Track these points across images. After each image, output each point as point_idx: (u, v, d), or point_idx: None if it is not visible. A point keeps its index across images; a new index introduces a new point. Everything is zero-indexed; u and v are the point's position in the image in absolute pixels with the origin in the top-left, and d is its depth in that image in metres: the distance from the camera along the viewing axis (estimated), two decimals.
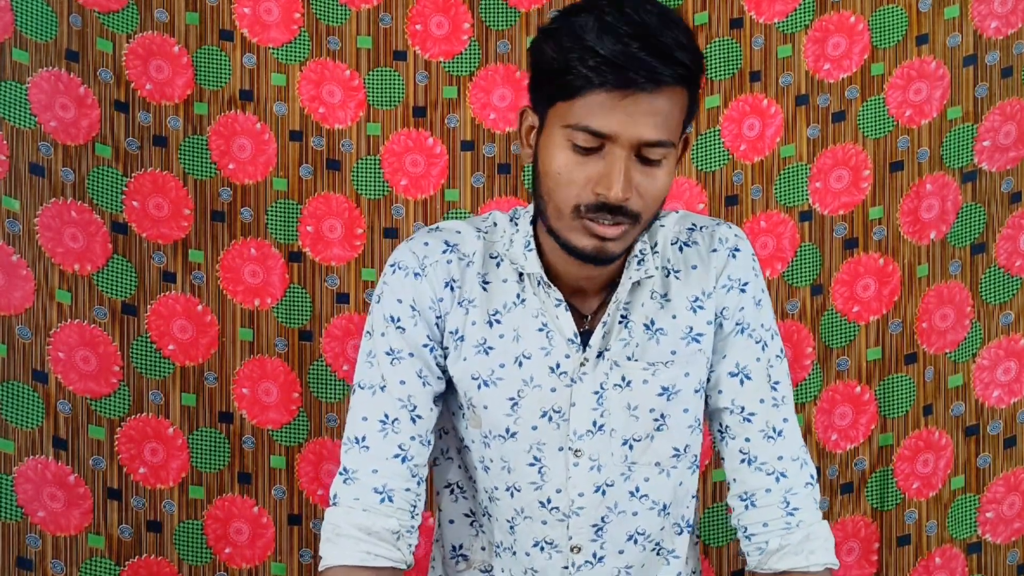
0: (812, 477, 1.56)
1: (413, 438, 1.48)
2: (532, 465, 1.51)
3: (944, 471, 2.48)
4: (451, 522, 1.63)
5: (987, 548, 2.50)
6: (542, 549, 1.55)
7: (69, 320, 2.29)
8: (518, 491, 1.53)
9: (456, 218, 2.39)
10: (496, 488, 1.55)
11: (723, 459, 1.58)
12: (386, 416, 1.48)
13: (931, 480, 2.47)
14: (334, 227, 2.38)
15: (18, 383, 2.28)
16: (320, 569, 1.47)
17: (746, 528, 1.56)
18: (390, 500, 1.46)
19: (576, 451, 1.50)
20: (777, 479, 1.53)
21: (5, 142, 2.23)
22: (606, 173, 1.34)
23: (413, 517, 1.49)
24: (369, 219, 2.39)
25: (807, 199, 2.42)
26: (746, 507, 1.56)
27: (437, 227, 1.54)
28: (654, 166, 1.36)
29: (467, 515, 1.62)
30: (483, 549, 1.61)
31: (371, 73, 2.40)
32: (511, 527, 1.56)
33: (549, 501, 1.52)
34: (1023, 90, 2.39)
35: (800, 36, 2.39)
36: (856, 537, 2.48)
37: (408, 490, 1.48)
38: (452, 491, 1.62)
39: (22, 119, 2.23)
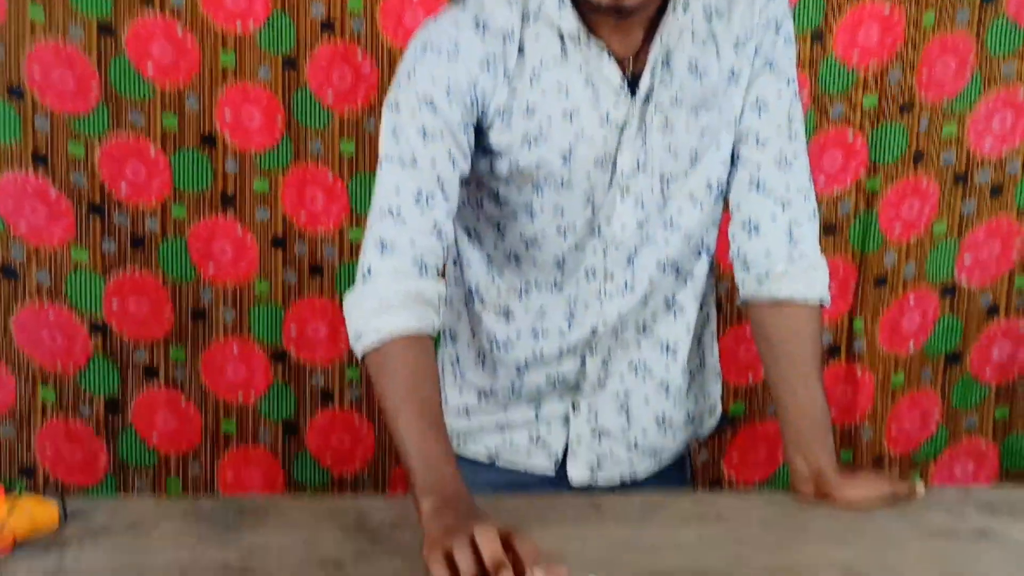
0: (814, 212, 1.61)
1: (446, 215, 1.48)
2: (586, 206, 1.54)
3: (928, 215, 2.49)
4: (468, 264, 1.65)
5: (960, 292, 2.56)
6: (587, 278, 1.58)
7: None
8: (573, 230, 1.55)
9: None
10: (544, 232, 1.56)
11: (729, 188, 1.60)
12: (420, 191, 1.46)
13: (914, 224, 2.50)
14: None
15: None
16: (372, 343, 1.43)
17: (746, 257, 1.60)
18: (426, 271, 1.47)
19: (624, 188, 1.53)
20: (783, 207, 1.57)
21: None
22: None
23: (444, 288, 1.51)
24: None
25: None
26: (749, 235, 1.59)
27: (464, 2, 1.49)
28: None
29: (483, 260, 1.63)
30: (498, 294, 1.63)
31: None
32: (558, 264, 1.58)
33: (600, 230, 1.55)
34: None
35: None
36: (835, 277, 2.50)
37: (438, 266, 1.49)
38: (470, 235, 1.64)
39: None
